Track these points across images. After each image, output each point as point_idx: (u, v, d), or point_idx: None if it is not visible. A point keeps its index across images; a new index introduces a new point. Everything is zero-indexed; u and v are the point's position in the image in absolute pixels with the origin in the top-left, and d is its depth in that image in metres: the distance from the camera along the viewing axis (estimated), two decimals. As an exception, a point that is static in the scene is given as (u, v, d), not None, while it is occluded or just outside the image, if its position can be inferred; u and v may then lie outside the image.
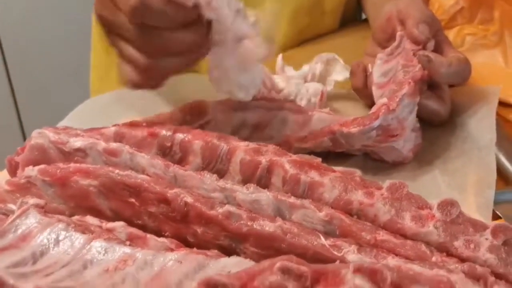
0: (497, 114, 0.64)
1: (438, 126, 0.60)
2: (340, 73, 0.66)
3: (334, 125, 0.53)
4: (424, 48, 0.59)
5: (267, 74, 0.60)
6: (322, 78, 0.66)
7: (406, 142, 0.55)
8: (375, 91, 0.59)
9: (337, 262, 0.37)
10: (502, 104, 0.65)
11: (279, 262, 0.34)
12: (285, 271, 0.34)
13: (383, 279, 0.34)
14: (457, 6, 0.74)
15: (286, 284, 0.34)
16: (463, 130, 0.60)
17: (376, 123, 0.52)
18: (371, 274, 0.34)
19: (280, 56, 0.66)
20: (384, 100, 0.53)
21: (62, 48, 1.62)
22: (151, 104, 0.66)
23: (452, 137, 0.59)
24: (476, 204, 0.51)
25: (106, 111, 0.66)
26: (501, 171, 0.56)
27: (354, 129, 0.52)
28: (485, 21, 0.72)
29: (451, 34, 0.74)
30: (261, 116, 0.58)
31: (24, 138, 1.68)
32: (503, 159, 0.56)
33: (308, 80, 0.65)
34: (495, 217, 0.51)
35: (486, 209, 0.50)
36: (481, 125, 0.59)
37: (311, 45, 0.85)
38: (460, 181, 0.53)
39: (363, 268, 0.34)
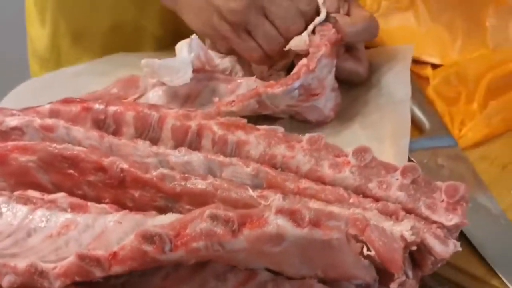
0: (411, 71, 0.69)
1: (357, 85, 0.64)
2: None
3: (259, 87, 0.57)
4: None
5: (203, 48, 0.62)
6: None
7: (327, 101, 0.59)
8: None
9: (261, 206, 0.41)
10: (415, 61, 0.70)
11: (208, 210, 0.37)
12: (213, 217, 0.37)
13: (302, 217, 0.37)
14: (371, -27, 0.78)
15: (215, 229, 0.37)
16: (380, 86, 0.64)
17: (298, 83, 0.56)
18: (291, 214, 0.37)
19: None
20: (304, 61, 0.57)
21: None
22: (84, 83, 0.68)
23: (370, 94, 0.63)
24: (393, 153, 0.56)
25: (41, 93, 0.67)
26: (415, 122, 0.61)
27: (278, 90, 0.56)
28: (399, -13, 0.77)
29: (368, 1, 0.78)
30: (191, 87, 0.60)
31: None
32: (416, 110, 0.61)
33: None
34: (410, 163, 0.56)
35: (402, 156, 0.55)
36: (397, 81, 0.63)
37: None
38: (378, 133, 0.58)
39: (284, 209, 0.37)
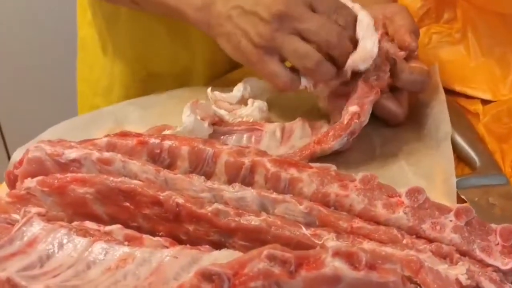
0: (460, 105, 0.69)
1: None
2: (268, 91, 0.70)
3: (311, 146, 0.59)
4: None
5: (216, 113, 0.64)
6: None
7: None
8: None
9: (318, 248, 0.42)
10: (464, 96, 0.70)
11: (266, 250, 0.38)
12: (271, 258, 0.38)
13: (359, 260, 0.38)
14: (424, 8, 0.78)
15: (273, 270, 0.38)
16: (421, 126, 0.65)
17: (349, 130, 0.57)
18: (348, 257, 0.38)
19: (209, 89, 0.69)
20: (356, 108, 0.57)
21: (45, 65, 1.64)
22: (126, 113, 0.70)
23: (412, 133, 0.64)
24: (442, 191, 0.56)
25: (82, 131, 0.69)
26: (465, 159, 0.61)
27: (332, 143, 0.57)
28: (450, 20, 0.77)
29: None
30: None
31: (7, 154, 1.69)
32: (467, 147, 0.61)
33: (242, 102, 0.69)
34: (461, 201, 0.56)
35: (451, 195, 0.55)
36: (436, 120, 0.63)
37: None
38: (425, 171, 0.58)
39: (340, 252, 0.38)
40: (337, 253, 0.38)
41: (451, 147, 0.60)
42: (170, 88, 0.77)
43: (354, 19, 0.61)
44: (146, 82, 0.83)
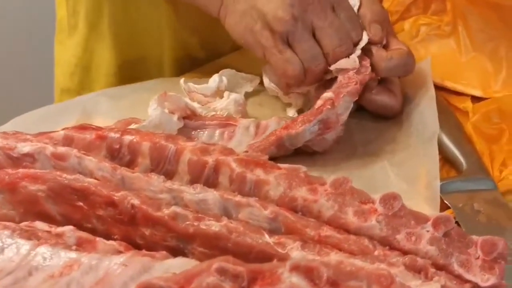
0: (448, 102, 0.65)
1: (385, 119, 0.61)
2: (246, 84, 0.67)
3: (277, 131, 0.55)
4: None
5: (188, 105, 0.60)
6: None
7: (334, 134, 0.57)
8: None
9: (275, 261, 0.38)
10: (453, 93, 0.66)
11: (216, 263, 0.34)
12: (221, 272, 0.34)
13: (319, 276, 0.34)
14: (411, -3, 0.75)
15: (223, 285, 0.34)
16: (408, 123, 0.61)
17: (320, 117, 0.53)
18: (307, 272, 0.34)
19: (182, 80, 0.66)
20: (331, 95, 0.54)
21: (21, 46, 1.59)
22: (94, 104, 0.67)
23: (398, 131, 0.61)
24: (424, 195, 0.52)
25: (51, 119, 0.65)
26: (451, 161, 0.57)
27: (301, 128, 0.53)
28: (439, 11, 0.73)
29: (406, 25, 0.75)
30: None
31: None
32: (453, 148, 0.57)
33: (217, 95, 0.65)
34: (445, 207, 0.52)
35: (434, 200, 0.51)
36: (424, 118, 0.60)
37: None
38: (408, 173, 0.55)
39: (299, 266, 0.34)
40: (295, 268, 0.34)
41: (437, 147, 0.56)
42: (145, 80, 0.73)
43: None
44: (122, 70, 0.79)
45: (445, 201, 0.52)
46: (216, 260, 0.35)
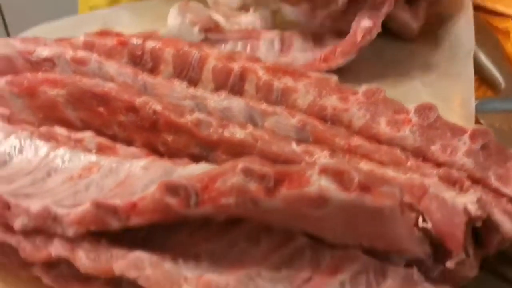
0: (488, 23, 0.61)
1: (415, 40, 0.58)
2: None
3: (316, 63, 0.54)
4: None
5: (211, 17, 0.57)
6: None
7: None
8: None
9: (303, 163, 0.36)
10: (494, 13, 0.63)
11: (242, 163, 0.33)
12: (247, 172, 0.32)
13: (350, 179, 0.32)
14: None
15: (248, 186, 0.32)
16: (442, 43, 0.58)
17: (359, 47, 0.53)
18: (337, 175, 0.32)
19: None
20: (368, 23, 0.52)
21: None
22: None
23: (431, 51, 0.58)
24: (458, 113, 0.50)
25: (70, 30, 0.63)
26: (489, 80, 0.54)
27: (341, 61, 0.53)
28: None
29: None
30: None
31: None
32: (492, 67, 0.54)
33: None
34: (480, 127, 0.50)
35: (468, 119, 0.49)
36: (460, 37, 0.57)
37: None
38: (442, 92, 0.52)
39: (329, 169, 0.32)
40: (325, 170, 0.32)
41: (472, 66, 0.53)
42: None
43: None
44: None
45: (481, 121, 0.50)
46: (242, 160, 0.33)
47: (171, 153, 0.43)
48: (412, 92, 0.54)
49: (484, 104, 0.51)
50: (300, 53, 0.55)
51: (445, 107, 0.51)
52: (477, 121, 0.50)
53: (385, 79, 0.56)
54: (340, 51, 0.54)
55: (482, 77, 0.55)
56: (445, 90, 0.53)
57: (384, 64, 0.58)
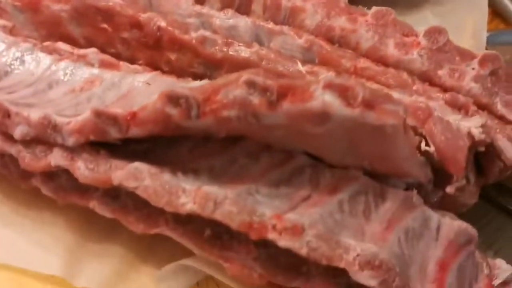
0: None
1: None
2: None
3: None
4: None
5: None
6: None
7: None
8: None
9: (308, 77, 0.35)
10: None
11: (245, 75, 0.32)
12: (250, 84, 0.32)
13: (354, 95, 0.31)
14: None
15: (251, 98, 0.32)
16: None
17: None
18: (342, 90, 0.31)
19: None
20: None
21: None
22: None
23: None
24: (469, 44, 0.49)
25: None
26: (500, 11, 0.53)
27: None
28: None
29: None
30: None
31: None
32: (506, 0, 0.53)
33: None
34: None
35: (479, 50, 0.48)
36: None
37: None
38: (452, 23, 0.50)
39: (333, 84, 0.32)
40: (329, 86, 0.31)
41: None
42: None
43: None
44: None
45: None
46: (246, 72, 0.32)
47: (174, 72, 0.42)
48: (421, 22, 0.53)
49: (496, 36, 0.50)
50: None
51: (456, 38, 0.49)
52: (487, 53, 0.49)
53: (394, 7, 0.54)
54: None
55: (495, 10, 0.54)
56: (457, 21, 0.52)
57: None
